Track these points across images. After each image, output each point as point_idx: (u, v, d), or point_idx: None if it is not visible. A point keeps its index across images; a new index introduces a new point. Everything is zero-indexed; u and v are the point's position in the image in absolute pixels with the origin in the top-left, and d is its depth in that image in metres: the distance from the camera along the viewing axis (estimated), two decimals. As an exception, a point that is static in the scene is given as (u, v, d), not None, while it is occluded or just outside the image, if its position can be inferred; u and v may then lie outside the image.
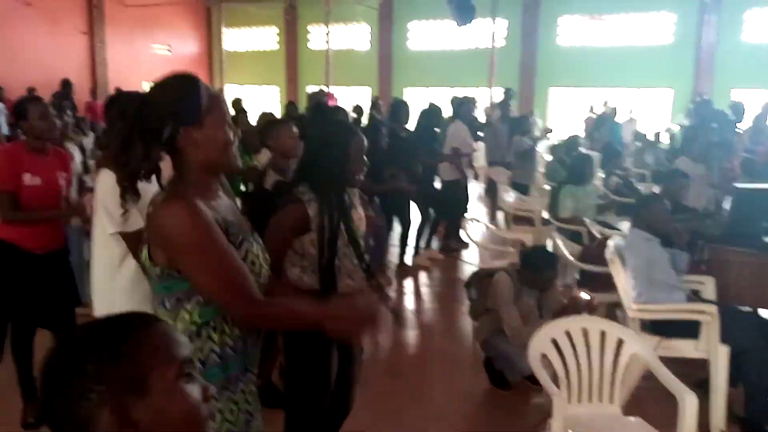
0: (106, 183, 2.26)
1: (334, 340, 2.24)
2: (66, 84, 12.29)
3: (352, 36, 18.42)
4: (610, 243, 3.69)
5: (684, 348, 3.34)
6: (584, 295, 3.26)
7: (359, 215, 2.41)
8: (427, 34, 17.20)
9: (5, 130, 10.03)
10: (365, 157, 2.34)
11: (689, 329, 3.30)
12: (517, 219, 6.46)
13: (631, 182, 7.01)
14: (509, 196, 6.55)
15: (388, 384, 3.78)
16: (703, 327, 3.25)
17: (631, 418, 2.68)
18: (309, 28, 18.97)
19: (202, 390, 0.88)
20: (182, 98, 1.43)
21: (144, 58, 18.47)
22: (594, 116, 12.35)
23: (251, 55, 20.32)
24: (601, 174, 7.06)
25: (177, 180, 1.47)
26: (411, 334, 4.71)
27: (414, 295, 5.64)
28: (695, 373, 3.25)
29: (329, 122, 2.53)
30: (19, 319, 3.22)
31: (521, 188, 6.96)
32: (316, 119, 4.95)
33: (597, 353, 2.72)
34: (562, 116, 15.80)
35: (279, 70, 19.29)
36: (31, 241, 3.09)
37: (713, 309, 3.22)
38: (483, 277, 3.70)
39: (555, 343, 2.71)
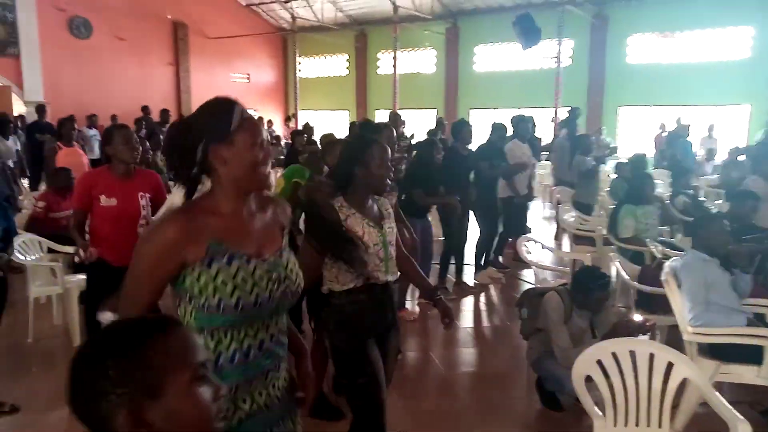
0: (172, 198, 2.51)
1: (367, 333, 2.45)
2: (144, 109, 13.13)
3: (419, 60, 18.71)
4: (667, 264, 3.60)
5: (745, 374, 3.21)
6: (638, 317, 3.19)
7: (390, 224, 2.54)
8: (492, 57, 17.22)
9: (97, 154, 10.84)
10: (390, 165, 2.50)
11: (752, 354, 3.18)
12: (580, 239, 6.37)
13: (700, 202, 6.75)
14: (570, 216, 6.47)
15: (439, 402, 3.82)
16: (766, 352, 3.11)
17: (681, 444, 2.61)
18: (378, 54, 19.43)
19: (214, 390, 0.94)
20: (214, 117, 1.51)
21: (224, 86, 19.47)
22: (664, 134, 11.93)
23: (323, 81, 20.99)
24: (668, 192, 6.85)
25: (203, 196, 1.56)
26: (465, 352, 4.73)
27: (471, 313, 5.64)
28: (764, 401, 3.12)
29: (354, 136, 2.70)
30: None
31: (585, 208, 6.86)
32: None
33: (645, 376, 2.67)
34: (632, 135, 15.36)
35: (349, 95, 19.82)
36: (110, 256, 3.41)
37: (776, 334, 3.09)
38: (534, 296, 3.69)
39: (601, 365, 2.69)
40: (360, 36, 19.49)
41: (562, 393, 3.55)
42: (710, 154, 10.94)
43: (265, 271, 1.55)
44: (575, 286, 3.39)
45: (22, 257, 4.80)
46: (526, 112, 9.76)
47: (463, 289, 6.05)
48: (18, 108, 13.65)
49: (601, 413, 2.48)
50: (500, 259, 6.83)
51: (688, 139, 10.50)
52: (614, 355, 2.69)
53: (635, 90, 14.98)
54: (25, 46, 14.25)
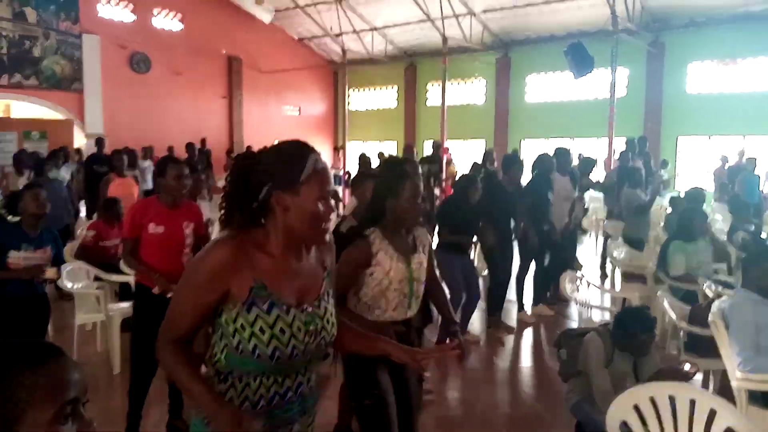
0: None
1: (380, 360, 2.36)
2: (203, 141, 13.61)
3: (469, 90, 18.71)
4: (715, 304, 3.38)
5: (803, 426, 2.95)
6: (687, 365, 2.98)
7: (420, 260, 2.53)
8: (544, 86, 17.04)
9: (151, 185, 11.25)
10: (421, 202, 2.51)
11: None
12: (630, 276, 6.10)
13: (762, 239, 6.36)
14: (620, 252, 6.22)
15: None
16: (826, 403, 2.86)
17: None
18: (428, 85, 19.56)
19: (82, 426, 0.90)
20: (286, 163, 1.49)
21: (276, 118, 20.01)
22: (726, 166, 11.42)
23: (373, 113, 21.26)
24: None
25: (256, 234, 1.52)
26: (505, 392, 4.56)
27: (511, 352, 5.45)
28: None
29: (390, 170, 2.70)
30: (150, 356, 3.50)
31: (636, 243, 6.57)
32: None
33: (685, 424, 2.49)
34: (692, 167, 14.80)
35: (398, 126, 19.97)
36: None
37: (836, 384, 2.83)
38: (573, 337, 3.51)
39: (638, 410, 2.52)
40: (409, 67, 19.68)
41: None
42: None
43: (303, 322, 1.52)
44: (617, 328, 3.20)
45: (69, 284, 4.98)
46: (579, 143, 9.62)
47: (502, 327, 5.88)
48: (79, 140, 14.38)
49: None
50: (547, 294, 6.61)
51: (755, 172, 10.00)
52: (652, 400, 2.52)
53: (695, 120, 14.45)
54: (89, 82, 15.06)
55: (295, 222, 1.48)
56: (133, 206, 3.78)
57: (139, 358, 3.50)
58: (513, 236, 6.09)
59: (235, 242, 1.48)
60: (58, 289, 5.48)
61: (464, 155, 16.84)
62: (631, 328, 3.17)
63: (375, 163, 9.65)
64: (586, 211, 8.97)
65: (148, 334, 3.36)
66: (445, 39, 15.46)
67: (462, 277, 5.16)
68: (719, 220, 8.23)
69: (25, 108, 14.82)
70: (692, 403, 2.51)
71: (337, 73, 21.15)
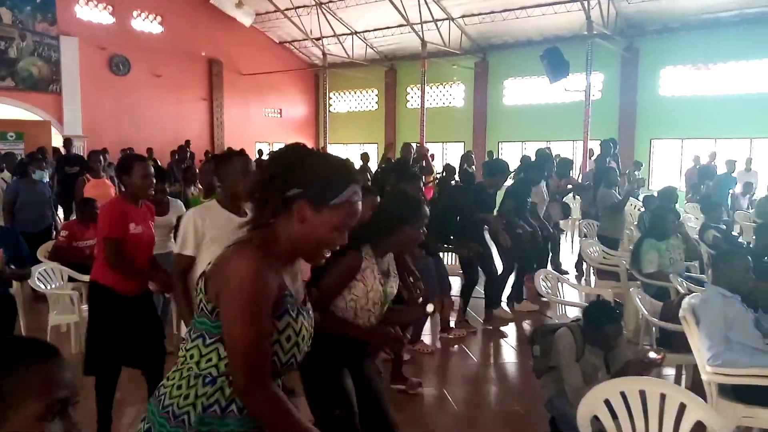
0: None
1: (341, 361, 2.39)
2: (186, 143, 13.52)
3: (448, 94, 18.84)
4: (685, 300, 3.45)
5: (769, 418, 3.02)
6: (653, 354, 3.05)
7: (392, 285, 2.50)
8: (521, 90, 17.22)
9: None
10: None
11: (779, 397, 2.99)
12: (604, 273, 6.20)
13: (733, 237, 6.51)
14: (594, 250, 6.32)
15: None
16: (791, 396, 2.93)
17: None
18: (408, 89, 19.64)
19: (68, 427, 0.90)
20: (327, 180, 1.41)
21: (257, 120, 19.95)
22: (698, 167, 11.64)
23: (353, 115, 21.28)
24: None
25: (265, 234, 1.44)
26: (483, 389, 4.60)
27: (491, 349, 5.50)
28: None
29: (407, 197, 2.66)
30: (110, 358, 3.37)
31: (610, 242, 6.68)
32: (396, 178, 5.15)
33: (655, 418, 2.54)
34: (665, 169, 15.07)
35: (379, 128, 20.01)
36: (124, 286, 3.34)
37: (802, 376, 2.91)
38: (546, 333, 3.55)
39: (609, 404, 2.57)
40: (390, 71, 19.76)
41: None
42: (748, 188, 10.60)
43: (309, 324, 1.49)
44: (586, 321, 3.26)
45: (42, 286, 4.92)
46: (555, 146, 9.79)
47: (485, 324, 5.94)
48: (57, 142, 14.16)
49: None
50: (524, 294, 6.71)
51: (733, 174, 10.19)
52: (623, 394, 2.57)
53: (668, 123, 14.72)
54: (67, 83, 14.90)
55: (303, 237, 1.42)
56: (112, 204, 3.52)
57: (96, 359, 3.34)
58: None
59: (258, 251, 1.38)
60: (33, 291, 5.41)
61: (443, 157, 16.97)
62: (598, 321, 3.23)
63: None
64: (569, 211, 9.07)
65: (105, 335, 3.32)
66: (424, 43, 15.57)
67: (437, 279, 5.21)
68: (691, 218, 8.38)
69: (2, 109, 14.57)
70: (663, 397, 2.57)
71: (318, 76, 21.15)
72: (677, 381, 4.30)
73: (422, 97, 15.76)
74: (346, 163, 1.48)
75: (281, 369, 1.45)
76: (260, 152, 15.96)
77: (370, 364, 2.60)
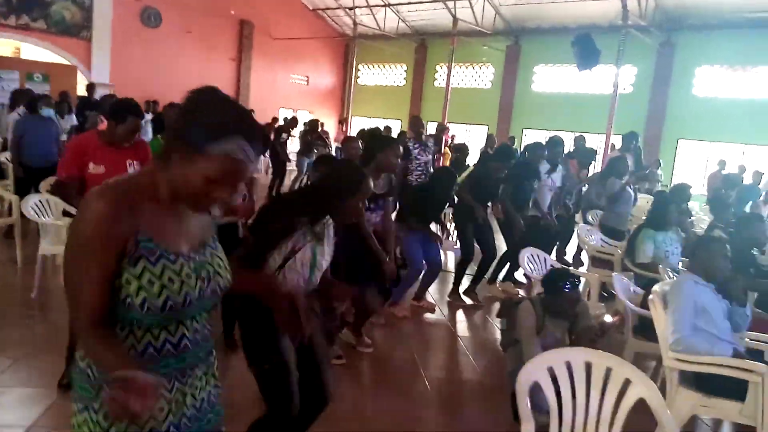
0: None
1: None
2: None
3: (477, 76, 18.57)
4: (658, 285, 3.37)
5: (727, 410, 2.95)
6: (608, 317, 3.00)
7: (323, 252, 2.46)
8: (551, 78, 16.90)
9: (150, 138, 11.21)
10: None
11: (737, 390, 2.91)
12: (598, 262, 6.10)
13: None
14: (592, 237, 6.21)
15: (414, 404, 3.70)
16: (750, 388, 2.85)
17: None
18: (437, 67, 19.42)
19: None
20: (208, 127, 1.29)
21: (283, 86, 19.94)
22: (721, 172, 11.32)
23: (380, 89, 21.15)
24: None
25: (139, 178, 1.40)
26: (453, 360, 4.58)
27: (474, 323, 5.48)
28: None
29: (352, 169, 2.63)
30: None
31: (612, 232, 6.53)
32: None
33: (598, 391, 2.49)
34: (689, 170, 14.70)
35: (404, 105, 19.87)
36: None
37: (763, 369, 2.82)
38: (510, 306, 3.52)
39: (552, 372, 2.52)
40: (420, 47, 19.54)
41: (536, 411, 3.35)
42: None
43: (192, 269, 1.41)
44: (546, 290, 3.21)
45: (36, 216, 5.02)
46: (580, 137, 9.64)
47: (473, 300, 5.91)
48: (83, 87, 14.39)
49: (531, 420, 2.31)
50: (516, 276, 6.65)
51: (759, 186, 9.83)
52: (567, 363, 2.52)
53: (698, 124, 14.35)
54: (98, 31, 15.03)
55: (177, 183, 1.33)
56: (73, 141, 3.45)
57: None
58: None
59: (114, 193, 1.32)
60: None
61: (466, 139, 16.77)
62: (555, 287, 3.19)
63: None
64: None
65: None
66: (455, 20, 15.32)
67: (422, 250, 5.18)
68: (706, 220, 8.16)
69: (33, 51, 14.79)
70: (608, 370, 2.52)
71: (348, 47, 21.02)
72: (656, 372, 4.21)
73: (448, 74, 15.57)
74: (240, 116, 1.33)
75: (182, 309, 1.39)
76: (285, 119, 15.95)
77: (316, 332, 2.53)
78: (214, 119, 1.30)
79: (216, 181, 1.30)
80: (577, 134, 8.97)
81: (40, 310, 4.68)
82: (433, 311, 5.55)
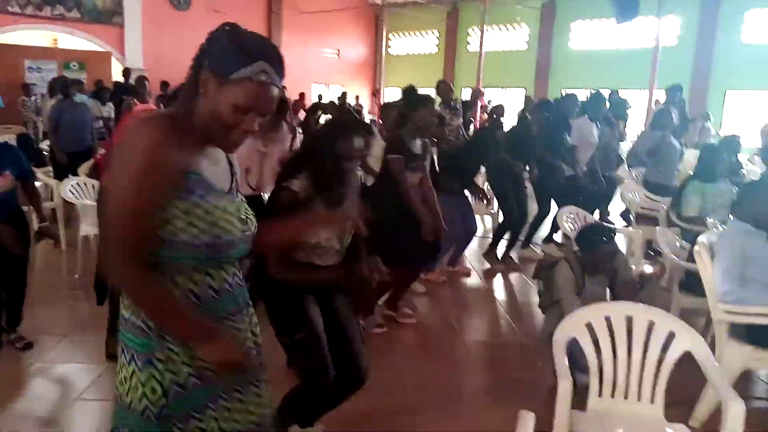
0: None
1: (305, 288, 2.32)
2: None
3: (511, 37, 18.06)
4: (703, 235, 3.19)
5: (780, 362, 2.79)
6: (648, 268, 2.87)
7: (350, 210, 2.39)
8: (590, 34, 16.28)
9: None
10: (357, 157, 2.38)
11: (791, 341, 2.75)
12: (643, 218, 5.87)
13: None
14: (635, 195, 5.98)
15: (454, 368, 3.66)
16: (807, 339, 2.68)
17: (674, 426, 2.29)
18: (469, 30, 18.96)
19: None
20: (233, 53, 1.29)
21: (314, 61, 19.84)
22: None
23: (412, 58, 20.84)
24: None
25: (177, 112, 1.37)
26: (501, 326, 4.50)
27: (510, 287, 5.38)
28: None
29: (333, 121, 2.55)
30: None
31: (656, 188, 6.25)
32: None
33: (640, 346, 2.38)
34: (740, 122, 14.00)
35: (437, 72, 19.51)
36: None
37: (821, 318, 2.64)
38: (546, 267, 3.39)
39: (591, 328, 2.42)
40: (452, 12, 19.10)
41: (576, 370, 3.26)
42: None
43: (235, 209, 1.41)
44: (581, 247, 3.08)
45: (75, 199, 5.13)
46: (622, 95, 9.25)
47: (508, 264, 5.78)
48: (117, 73, 14.62)
49: (568, 375, 2.21)
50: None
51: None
52: (607, 319, 2.41)
53: (747, 72, 13.60)
54: (129, 16, 15.19)
55: (206, 114, 1.32)
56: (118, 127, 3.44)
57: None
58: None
59: (163, 122, 1.31)
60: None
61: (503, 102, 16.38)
62: (590, 243, 3.06)
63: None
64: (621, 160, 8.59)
65: None
66: (487, -20, 14.87)
67: (459, 215, 5.07)
68: (758, 173, 7.77)
69: (70, 41, 15.08)
70: (651, 324, 2.40)
71: (378, 17, 20.70)
72: (705, 331, 4.03)
73: (481, 37, 15.16)
74: (261, 42, 1.34)
75: (226, 249, 1.38)
76: (320, 96, 15.90)
77: (340, 298, 2.47)
78: (242, 47, 1.29)
79: (243, 107, 1.30)
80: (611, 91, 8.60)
81: (84, 290, 4.78)
82: (469, 275, 5.47)
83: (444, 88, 7.49)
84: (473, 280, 5.41)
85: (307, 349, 2.29)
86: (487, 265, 5.76)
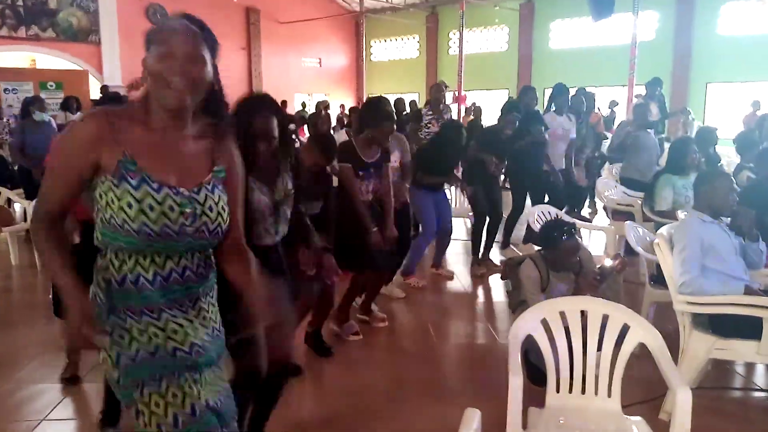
0: None
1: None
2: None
3: (492, 39, 18.13)
4: (663, 228, 3.19)
5: (742, 350, 2.79)
6: (608, 261, 2.86)
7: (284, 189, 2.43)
8: (570, 33, 16.37)
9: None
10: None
11: (752, 328, 2.74)
12: (619, 214, 5.87)
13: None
14: (612, 191, 5.98)
15: (427, 369, 3.64)
16: (765, 326, 2.67)
17: (631, 418, 2.27)
18: (450, 34, 19.02)
19: None
20: (156, 24, 1.52)
21: (295, 71, 19.84)
22: (756, 113, 10.79)
23: (394, 64, 20.87)
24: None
25: (139, 102, 1.51)
26: (477, 328, 4.48)
27: (488, 289, 5.36)
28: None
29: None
30: None
31: (632, 183, 6.25)
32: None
33: (595, 339, 2.36)
34: (721, 115, 14.08)
35: (420, 77, 19.57)
36: None
37: (777, 304, 2.64)
38: (513, 266, 3.37)
39: (546, 324, 2.41)
40: (431, 16, 19.16)
41: (536, 364, 3.24)
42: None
43: (177, 203, 1.46)
44: (543, 245, 3.07)
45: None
46: (603, 90, 9.29)
47: (488, 267, 5.76)
48: (96, 92, 14.55)
49: (518, 372, 2.19)
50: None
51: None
52: (561, 314, 2.40)
53: (726, 65, 13.69)
54: (105, 34, 15.15)
55: (150, 86, 1.46)
56: None
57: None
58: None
59: (103, 116, 1.45)
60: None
61: (487, 105, 16.43)
62: (552, 239, 3.05)
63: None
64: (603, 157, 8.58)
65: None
66: (463, -18, 14.88)
67: (435, 212, 5.07)
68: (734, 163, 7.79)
69: (49, 61, 15.00)
70: (605, 317, 2.39)
71: (358, 23, 20.75)
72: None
73: (460, 40, 15.17)
74: (182, 15, 1.49)
75: (158, 239, 1.45)
76: (303, 104, 15.91)
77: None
78: (161, 23, 1.52)
79: (161, 56, 1.42)
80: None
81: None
82: (451, 278, 5.45)
83: (434, 90, 7.42)
84: (453, 283, 5.39)
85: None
86: (467, 268, 5.75)
